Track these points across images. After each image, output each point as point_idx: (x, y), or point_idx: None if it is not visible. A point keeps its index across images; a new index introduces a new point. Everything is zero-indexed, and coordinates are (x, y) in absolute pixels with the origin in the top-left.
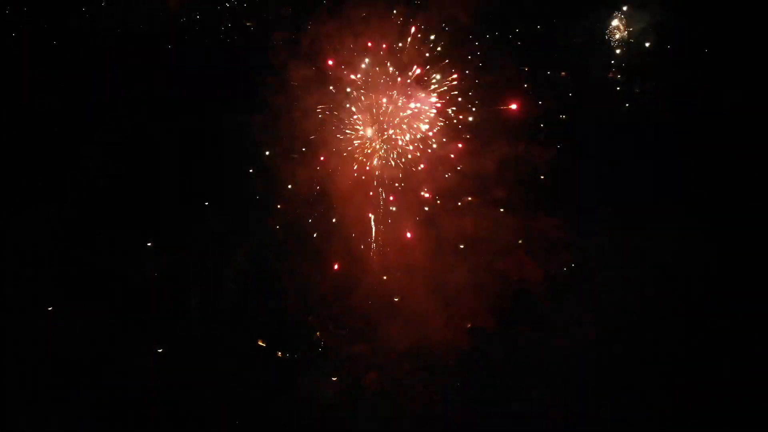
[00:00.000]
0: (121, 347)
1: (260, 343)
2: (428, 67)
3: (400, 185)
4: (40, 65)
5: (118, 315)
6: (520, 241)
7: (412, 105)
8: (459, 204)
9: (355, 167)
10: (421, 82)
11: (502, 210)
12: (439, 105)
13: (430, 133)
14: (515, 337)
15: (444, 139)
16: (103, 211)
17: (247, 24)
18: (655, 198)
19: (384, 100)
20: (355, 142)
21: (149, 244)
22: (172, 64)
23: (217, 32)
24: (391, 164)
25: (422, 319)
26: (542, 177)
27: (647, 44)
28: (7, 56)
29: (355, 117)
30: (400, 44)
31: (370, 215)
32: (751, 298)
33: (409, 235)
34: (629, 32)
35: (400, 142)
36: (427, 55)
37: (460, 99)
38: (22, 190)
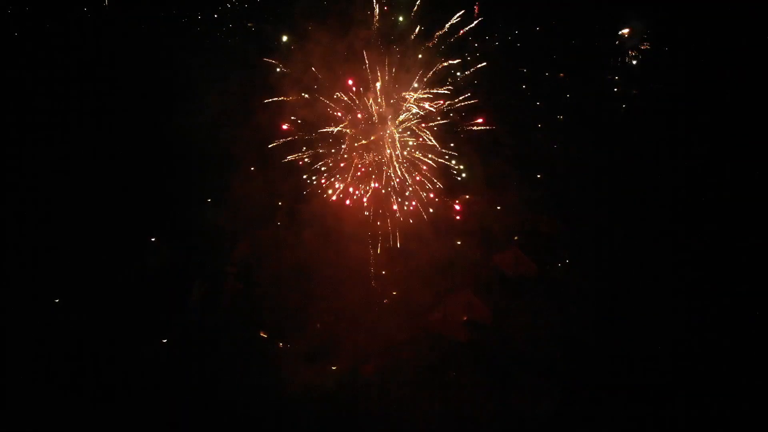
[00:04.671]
0: (125, 338)
1: (262, 335)
2: (433, 69)
3: (398, 185)
4: (44, 65)
5: (122, 307)
6: (516, 238)
7: (412, 107)
8: (457, 202)
9: (355, 163)
10: (420, 84)
11: (498, 208)
12: (438, 106)
13: (429, 132)
14: (510, 330)
15: (442, 140)
16: (108, 207)
17: (248, 24)
18: (648, 195)
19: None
20: (354, 136)
21: (153, 240)
22: (176, 63)
23: (218, 32)
24: (393, 164)
25: (419, 312)
26: (539, 176)
27: (644, 46)
28: (7, 56)
29: (358, 115)
30: (399, 46)
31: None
32: (744, 292)
33: (407, 231)
34: (627, 34)
35: (398, 142)
36: (427, 56)
37: (458, 100)
38: (27, 186)
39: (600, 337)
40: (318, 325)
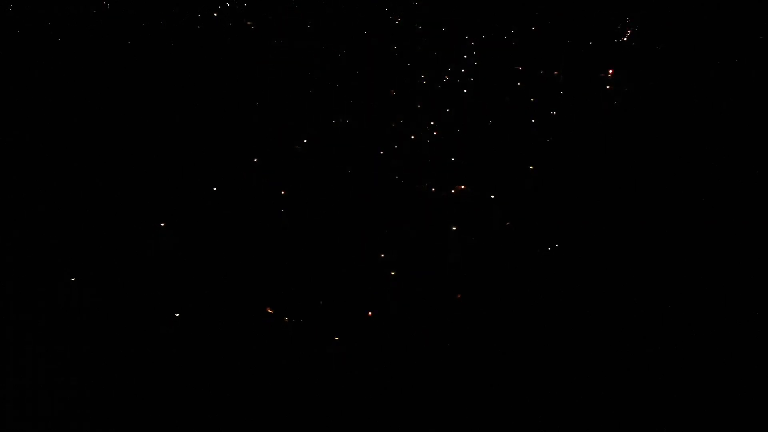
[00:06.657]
0: (132, 320)
1: (269, 311)
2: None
3: (397, 174)
4: (45, 64)
5: (131, 289)
6: (507, 223)
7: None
8: (453, 192)
9: (355, 151)
10: (417, 79)
11: (492, 197)
12: (433, 100)
13: (425, 126)
14: (504, 314)
15: (437, 132)
16: (115, 193)
17: (248, 23)
18: (641, 190)
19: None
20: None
21: (162, 224)
22: (182, 59)
23: (217, 32)
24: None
25: (417, 291)
26: (531, 167)
27: (639, 44)
28: (7, 56)
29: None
30: (396, 44)
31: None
32: (738, 288)
33: (405, 219)
34: (622, 32)
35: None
36: (422, 53)
37: (454, 94)
38: (32, 179)
39: (597, 331)
40: (321, 303)
